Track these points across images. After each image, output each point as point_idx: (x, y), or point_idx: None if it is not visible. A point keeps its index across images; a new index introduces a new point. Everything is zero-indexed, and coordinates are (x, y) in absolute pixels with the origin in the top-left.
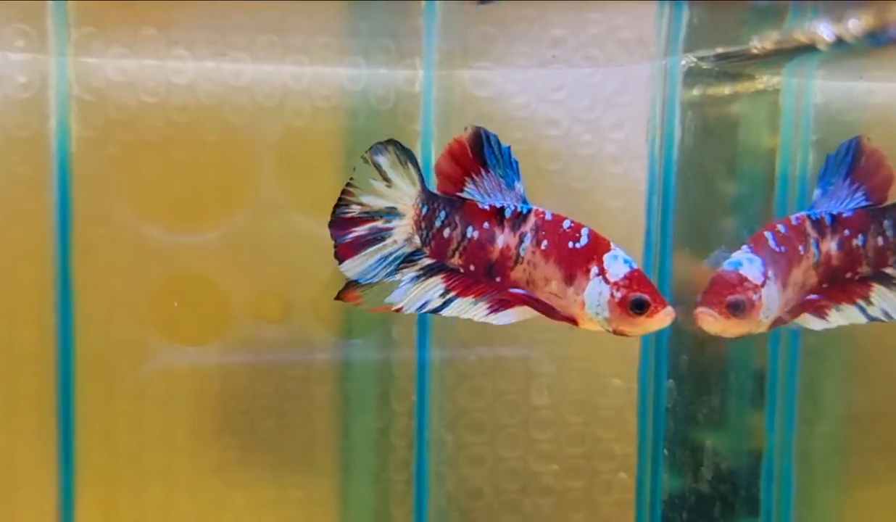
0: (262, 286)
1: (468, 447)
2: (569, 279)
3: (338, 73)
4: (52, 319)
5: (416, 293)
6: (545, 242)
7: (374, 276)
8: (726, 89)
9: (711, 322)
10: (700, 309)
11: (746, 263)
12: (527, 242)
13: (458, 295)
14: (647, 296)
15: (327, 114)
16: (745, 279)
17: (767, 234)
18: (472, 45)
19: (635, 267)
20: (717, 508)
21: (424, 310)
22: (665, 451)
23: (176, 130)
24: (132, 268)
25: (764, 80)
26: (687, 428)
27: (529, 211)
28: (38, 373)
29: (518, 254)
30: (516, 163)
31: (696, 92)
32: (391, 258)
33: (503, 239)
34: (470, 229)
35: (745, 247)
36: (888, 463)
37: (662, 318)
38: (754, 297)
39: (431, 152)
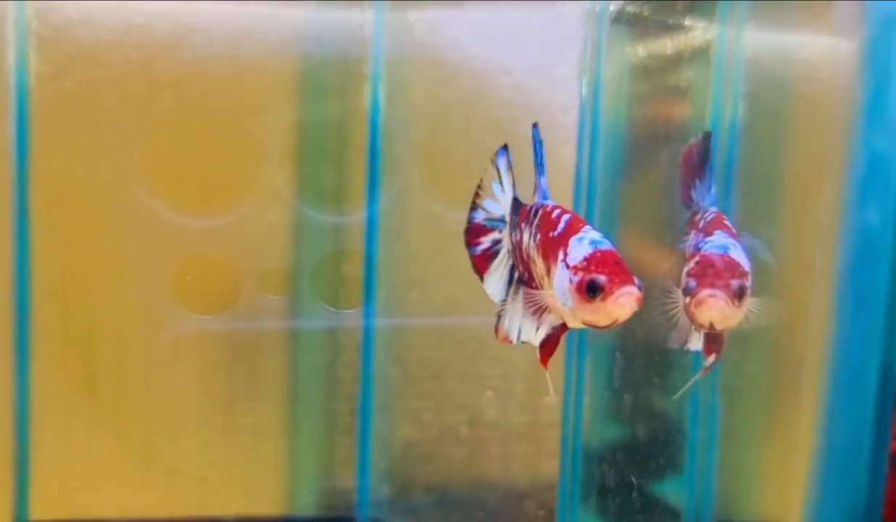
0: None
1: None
2: (547, 272)
3: (294, 15)
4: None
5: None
6: (538, 236)
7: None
8: (660, 39)
9: (724, 307)
10: (708, 293)
11: (732, 248)
12: (529, 239)
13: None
14: (600, 276)
15: (283, 56)
16: (739, 264)
17: (728, 222)
18: None
19: (603, 247)
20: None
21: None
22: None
23: (133, 68)
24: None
25: (697, 34)
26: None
27: (540, 205)
28: None
29: (528, 254)
30: (541, 154)
31: (627, 37)
32: (504, 275)
33: (525, 240)
34: (522, 235)
35: (719, 232)
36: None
37: (618, 300)
38: (747, 285)
39: (379, 96)
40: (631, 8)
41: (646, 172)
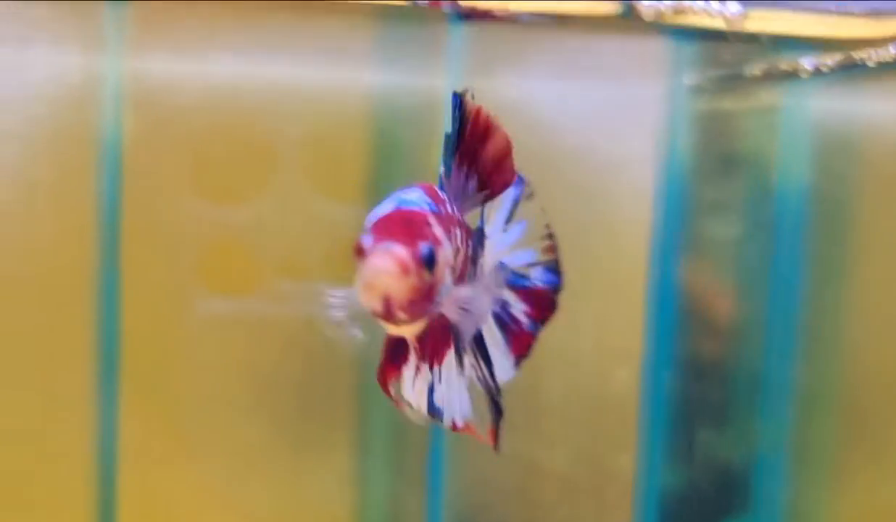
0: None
1: None
2: None
3: (368, 76)
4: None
5: None
6: None
7: None
8: (730, 105)
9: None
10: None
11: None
12: None
13: None
14: (365, 235)
15: (356, 115)
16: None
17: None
18: (494, 57)
19: (406, 207)
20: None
21: None
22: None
23: (215, 127)
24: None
25: (764, 98)
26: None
27: None
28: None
29: None
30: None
31: (701, 107)
32: None
33: None
34: None
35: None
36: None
37: (369, 262)
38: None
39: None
40: (705, 84)
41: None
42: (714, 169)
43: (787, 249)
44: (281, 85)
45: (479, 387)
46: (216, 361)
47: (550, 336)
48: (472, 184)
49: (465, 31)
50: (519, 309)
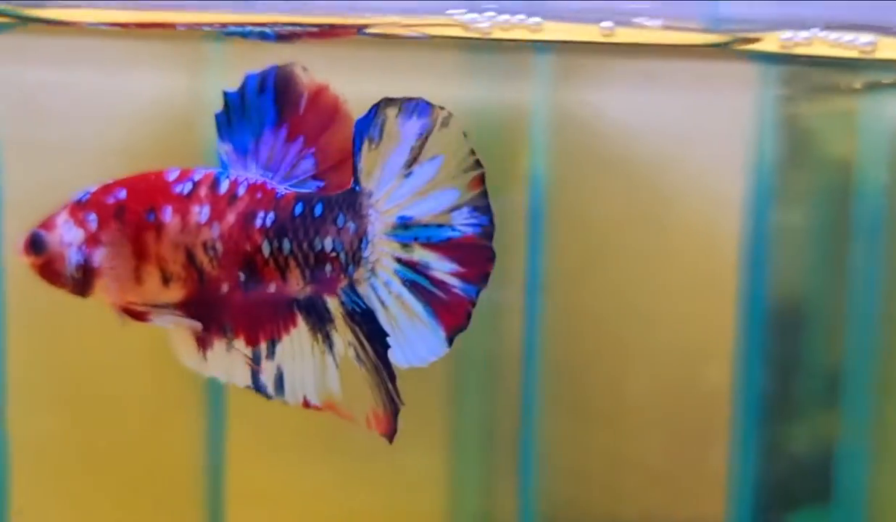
0: None
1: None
2: None
3: (456, 90)
4: None
5: None
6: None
7: None
8: (814, 109)
9: None
10: None
11: None
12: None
13: None
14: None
15: None
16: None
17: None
18: (580, 71)
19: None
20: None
21: None
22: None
23: None
24: None
25: (844, 102)
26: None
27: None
28: None
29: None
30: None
31: (787, 111)
32: None
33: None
34: None
35: None
36: None
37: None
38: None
39: (542, 161)
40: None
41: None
42: (797, 171)
43: (867, 246)
44: (376, 98)
45: (362, 369)
46: None
47: (643, 332)
48: (307, 163)
49: (551, 47)
50: (444, 270)
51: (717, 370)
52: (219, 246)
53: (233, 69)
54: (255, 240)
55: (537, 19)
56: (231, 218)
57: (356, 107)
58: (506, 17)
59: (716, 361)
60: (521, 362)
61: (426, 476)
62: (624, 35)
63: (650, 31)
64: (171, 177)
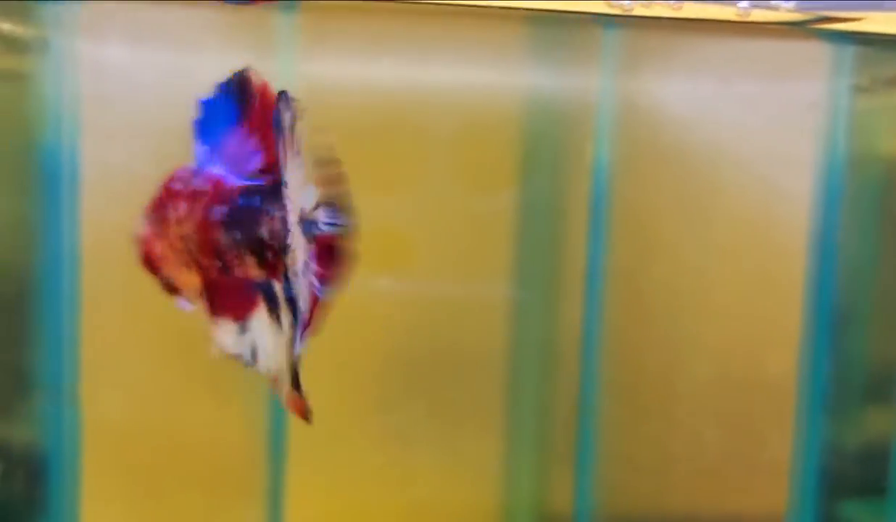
0: None
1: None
2: None
3: (521, 79)
4: None
5: None
6: None
7: None
8: (881, 101)
9: None
10: None
11: None
12: None
13: None
14: None
15: (510, 116)
16: None
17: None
18: (649, 57)
19: None
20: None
21: None
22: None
23: (378, 129)
24: None
25: None
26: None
27: None
28: None
29: None
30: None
31: (860, 106)
32: None
33: None
34: None
35: None
36: None
37: None
38: None
39: (605, 151)
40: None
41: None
42: (867, 164)
43: None
44: (437, 86)
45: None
46: (377, 346)
47: (703, 323)
48: (257, 159)
49: (619, 32)
50: (313, 269)
51: (780, 362)
52: (194, 237)
53: (301, 48)
54: (216, 231)
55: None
56: (198, 212)
57: (425, 89)
58: None
59: (778, 353)
60: (580, 350)
61: (483, 462)
62: (692, 10)
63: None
64: (177, 172)
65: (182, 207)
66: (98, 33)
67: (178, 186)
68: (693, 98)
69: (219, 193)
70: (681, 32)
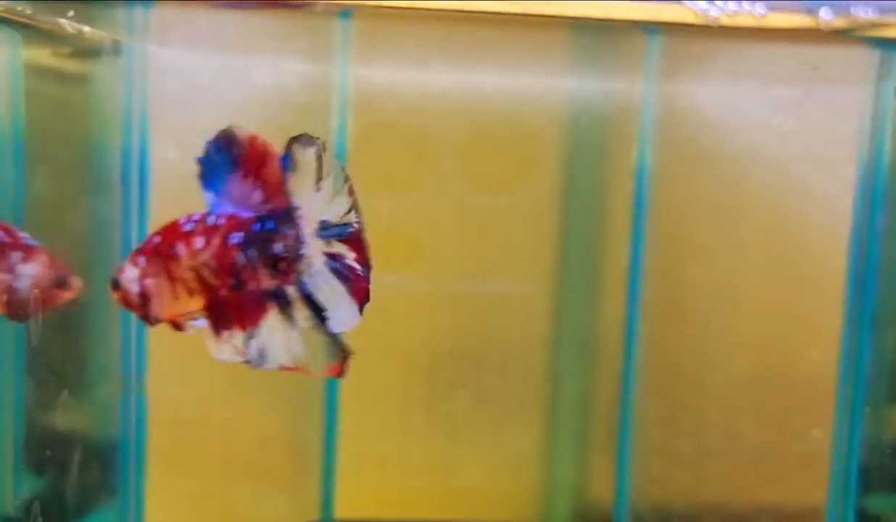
0: None
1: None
2: None
3: (565, 83)
4: None
5: None
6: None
7: None
8: None
9: None
10: None
11: None
12: None
13: None
14: None
15: (554, 119)
16: None
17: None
18: (678, 59)
19: None
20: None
21: None
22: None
23: (427, 132)
24: None
25: None
26: None
27: None
28: None
29: None
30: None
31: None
32: None
33: None
34: None
35: None
36: None
37: None
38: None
39: (647, 153)
40: None
41: None
42: None
43: None
44: (485, 90)
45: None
46: (426, 340)
47: (741, 321)
48: (257, 194)
49: (661, 38)
50: (352, 258)
51: (817, 359)
52: (212, 262)
53: (355, 53)
54: (233, 254)
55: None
56: (216, 241)
57: (473, 92)
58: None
59: (816, 351)
60: (621, 345)
61: (525, 451)
62: (731, 19)
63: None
64: (182, 220)
65: (198, 242)
66: (164, 37)
67: (189, 227)
68: (732, 102)
69: (235, 224)
70: (721, 38)
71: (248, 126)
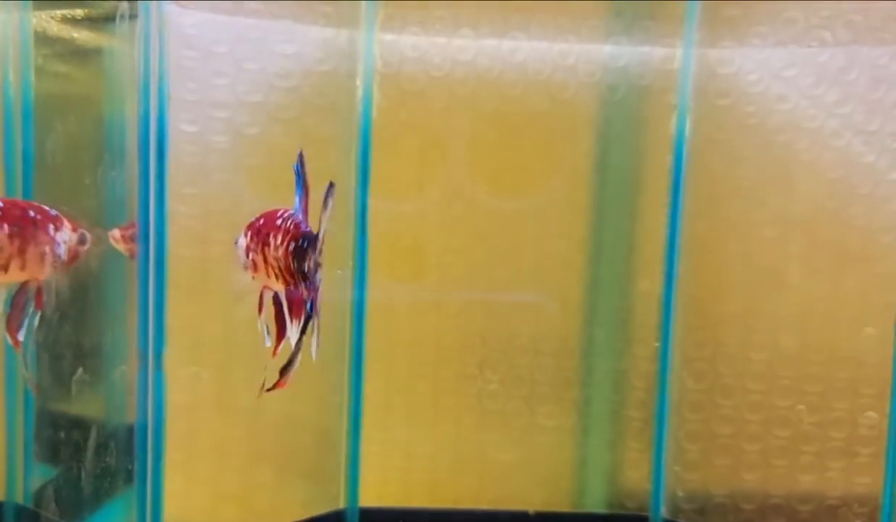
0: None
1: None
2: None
3: (601, 51)
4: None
5: None
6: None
7: None
8: None
9: None
10: None
11: None
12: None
13: None
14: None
15: (589, 89)
16: None
17: None
18: (718, 25)
19: None
20: None
21: None
22: None
23: (457, 101)
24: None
25: None
26: None
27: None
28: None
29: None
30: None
31: None
32: None
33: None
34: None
35: None
36: None
37: None
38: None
39: (686, 123)
40: None
41: None
42: None
43: None
44: (518, 58)
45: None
46: (457, 328)
47: (780, 297)
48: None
49: (701, 4)
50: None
51: (868, 336)
52: (283, 260)
53: (382, 19)
54: (289, 260)
55: None
56: (284, 243)
57: (505, 60)
58: None
59: (867, 328)
60: (658, 323)
61: (560, 433)
62: None
63: None
64: (279, 212)
65: (279, 238)
66: (183, 5)
67: (279, 221)
68: (773, 69)
69: (295, 234)
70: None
71: (269, 96)
